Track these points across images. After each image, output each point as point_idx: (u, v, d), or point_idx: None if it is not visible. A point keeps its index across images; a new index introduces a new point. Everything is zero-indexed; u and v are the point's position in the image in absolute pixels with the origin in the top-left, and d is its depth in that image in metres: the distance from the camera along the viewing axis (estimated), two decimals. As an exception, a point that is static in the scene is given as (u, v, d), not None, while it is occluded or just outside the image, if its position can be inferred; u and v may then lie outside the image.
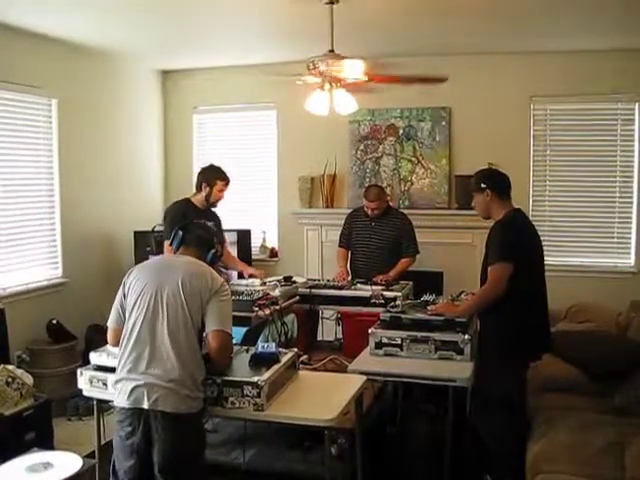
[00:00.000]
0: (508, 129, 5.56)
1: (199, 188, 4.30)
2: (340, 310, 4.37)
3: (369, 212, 4.73)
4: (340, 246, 4.97)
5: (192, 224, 2.92)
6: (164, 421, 2.40)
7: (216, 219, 4.26)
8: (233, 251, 5.08)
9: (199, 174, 4.37)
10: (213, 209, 4.38)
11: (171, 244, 2.84)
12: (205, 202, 4.29)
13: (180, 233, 2.80)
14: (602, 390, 3.73)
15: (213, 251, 2.83)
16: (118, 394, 2.49)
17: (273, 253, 6.31)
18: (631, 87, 5.27)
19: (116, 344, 2.62)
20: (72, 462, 2.74)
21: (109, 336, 2.69)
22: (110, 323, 2.67)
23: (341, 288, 4.30)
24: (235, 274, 4.86)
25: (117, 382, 2.52)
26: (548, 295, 3.35)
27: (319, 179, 6.01)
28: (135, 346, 2.49)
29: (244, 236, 5.94)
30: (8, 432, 3.44)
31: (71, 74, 5.23)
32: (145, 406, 2.41)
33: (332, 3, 3.82)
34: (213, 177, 4.27)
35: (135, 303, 2.55)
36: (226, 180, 4.30)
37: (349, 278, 4.66)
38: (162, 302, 2.50)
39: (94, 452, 3.11)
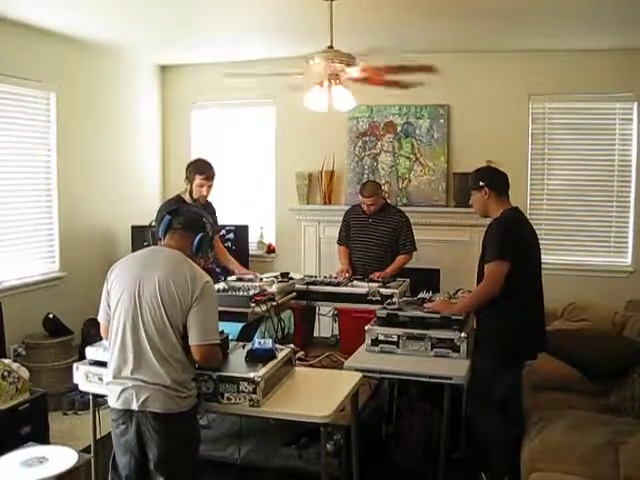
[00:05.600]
0: (506, 127, 5.56)
1: (186, 184, 4.16)
2: (337, 307, 4.37)
3: (365, 208, 4.73)
4: (340, 244, 4.96)
5: (179, 208, 2.76)
6: (154, 421, 2.38)
7: (209, 212, 4.04)
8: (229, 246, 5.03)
9: (185, 169, 4.19)
10: (205, 203, 4.16)
11: (157, 232, 2.67)
12: (190, 198, 4.12)
13: (167, 217, 2.62)
14: (597, 389, 3.74)
15: (201, 234, 2.60)
16: (109, 394, 2.48)
17: (270, 249, 6.31)
18: (629, 87, 5.28)
19: None
20: (67, 456, 2.75)
21: (102, 331, 2.65)
22: (100, 319, 2.62)
23: (338, 285, 4.30)
24: None
25: (107, 384, 2.50)
26: (545, 293, 3.36)
27: (317, 175, 6.00)
28: (120, 352, 2.45)
29: (241, 232, 5.96)
30: (3, 426, 3.44)
31: (70, 68, 5.22)
32: (135, 407, 2.39)
33: (332, -1, 3.82)
34: (192, 172, 4.08)
35: (116, 307, 2.49)
36: (205, 174, 4.06)
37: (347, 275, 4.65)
38: (140, 307, 2.42)
39: (90, 447, 3.11)
